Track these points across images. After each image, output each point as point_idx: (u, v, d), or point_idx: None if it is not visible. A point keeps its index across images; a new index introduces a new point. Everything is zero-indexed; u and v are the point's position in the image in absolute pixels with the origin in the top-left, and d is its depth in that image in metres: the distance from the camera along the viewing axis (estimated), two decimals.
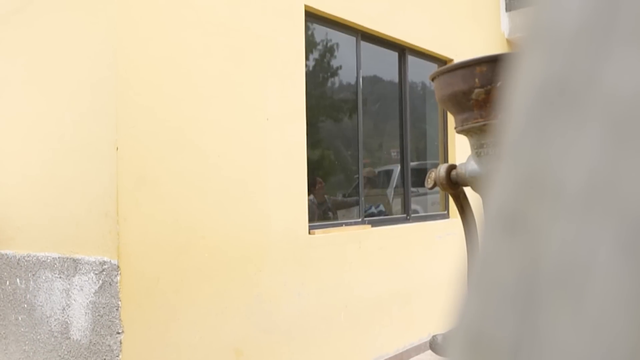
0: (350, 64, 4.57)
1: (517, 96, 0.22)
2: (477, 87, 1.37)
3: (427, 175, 1.57)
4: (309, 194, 4.08)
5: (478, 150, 1.46)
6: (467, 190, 1.56)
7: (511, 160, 0.22)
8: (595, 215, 0.18)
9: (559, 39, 0.20)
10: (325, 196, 4.45)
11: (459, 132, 1.50)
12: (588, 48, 0.19)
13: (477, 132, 1.42)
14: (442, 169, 1.52)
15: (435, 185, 1.54)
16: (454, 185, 1.52)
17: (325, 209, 4.45)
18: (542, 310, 0.19)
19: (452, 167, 1.54)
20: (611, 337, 0.17)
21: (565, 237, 0.19)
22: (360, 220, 4.50)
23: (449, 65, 1.48)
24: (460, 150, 5.57)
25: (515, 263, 0.21)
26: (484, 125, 1.39)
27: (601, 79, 0.19)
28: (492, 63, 1.35)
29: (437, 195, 5.72)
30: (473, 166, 1.47)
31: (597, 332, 0.18)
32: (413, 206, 5.25)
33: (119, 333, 2.74)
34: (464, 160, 1.58)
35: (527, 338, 0.20)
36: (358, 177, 4.57)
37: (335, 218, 4.47)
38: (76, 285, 2.92)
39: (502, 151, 0.22)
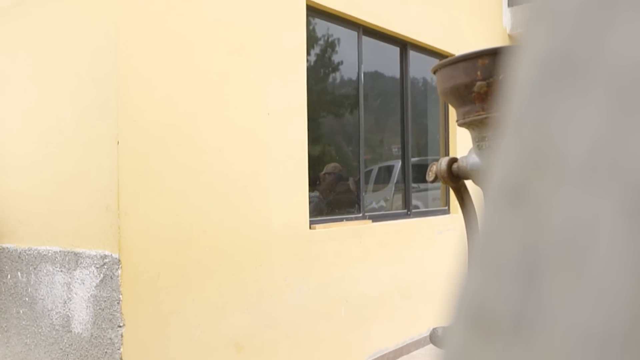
0: (352, 59, 4.56)
1: (521, 69, 0.22)
2: (479, 79, 1.37)
3: (429, 168, 1.57)
4: (314, 190, 4.08)
5: (479, 144, 1.45)
6: (469, 183, 1.56)
7: (514, 133, 0.22)
8: (598, 182, 0.18)
9: (562, 10, 0.20)
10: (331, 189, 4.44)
11: (460, 125, 1.50)
12: (592, 17, 0.19)
13: (478, 125, 1.42)
14: (444, 162, 1.52)
15: (436, 178, 1.54)
16: (455, 178, 1.52)
17: (329, 202, 4.45)
18: (545, 281, 0.19)
19: (454, 160, 1.54)
20: (613, 304, 0.17)
21: (568, 206, 0.19)
22: (361, 215, 4.50)
23: (451, 57, 1.48)
24: (461, 145, 5.57)
25: (518, 235, 0.21)
26: (486, 118, 1.39)
27: (605, 47, 0.19)
28: (494, 55, 1.35)
29: (437, 190, 5.72)
30: (474, 159, 1.46)
31: (600, 300, 0.18)
32: (414, 202, 5.25)
33: (120, 326, 2.74)
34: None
35: (529, 309, 0.20)
36: (359, 173, 4.57)
37: (336, 213, 4.47)
38: (77, 279, 2.92)
39: (505, 125, 0.22)
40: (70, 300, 2.95)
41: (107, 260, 2.78)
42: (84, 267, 2.89)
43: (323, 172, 4.47)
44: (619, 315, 0.18)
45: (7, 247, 3.38)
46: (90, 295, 2.85)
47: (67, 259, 2.99)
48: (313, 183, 4.19)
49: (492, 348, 0.22)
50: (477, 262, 0.23)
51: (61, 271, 3.01)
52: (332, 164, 4.52)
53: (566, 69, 0.20)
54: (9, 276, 3.32)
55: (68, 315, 2.96)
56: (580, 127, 0.19)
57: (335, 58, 4.54)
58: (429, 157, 5.70)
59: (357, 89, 4.58)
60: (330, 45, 4.50)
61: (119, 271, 2.74)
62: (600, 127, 0.18)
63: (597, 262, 0.18)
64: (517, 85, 0.22)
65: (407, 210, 5.10)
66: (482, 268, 0.23)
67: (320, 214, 4.28)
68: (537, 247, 0.20)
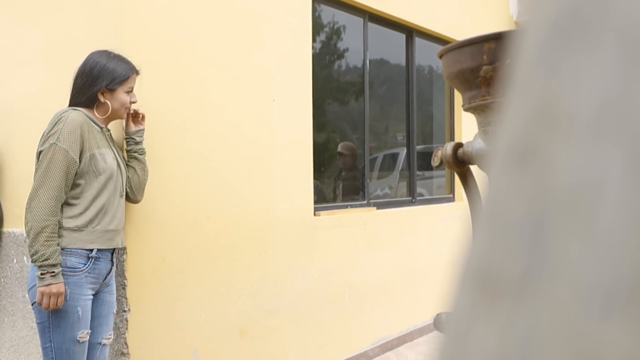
0: (357, 46, 4.54)
1: (529, 31, 0.22)
2: (485, 64, 1.36)
3: (434, 153, 1.56)
4: (325, 169, 4.08)
5: (485, 128, 1.45)
6: (474, 168, 1.56)
7: (522, 94, 0.22)
8: (607, 138, 0.18)
9: None
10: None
11: (466, 109, 1.50)
12: None
13: (484, 110, 1.42)
14: (449, 147, 1.52)
15: (441, 163, 1.54)
16: (461, 163, 1.52)
17: (337, 187, 4.48)
18: (552, 239, 0.20)
19: (459, 145, 1.53)
20: (620, 259, 0.18)
21: (576, 163, 0.19)
22: (365, 202, 4.50)
23: (457, 42, 1.47)
24: (466, 133, 5.55)
25: (525, 195, 0.21)
26: (492, 102, 1.38)
27: (613, 5, 0.19)
28: (500, 40, 1.34)
29: (442, 178, 5.71)
30: (480, 144, 1.46)
31: (607, 255, 0.18)
32: (418, 189, 5.25)
33: (125, 311, 2.76)
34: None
35: (536, 268, 0.20)
36: (364, 160, 4.56)
37: (341, 200, 4.47)
38: None
39: (513, 86, 0.22)
40: None
41: None
42: None
43: (338, 151, 4.48)
44: (625, 270, 0.18)
45: (14, 232, 3.39)
46: None
47: None
48: (327, 162, 4.20)
49: (499, 308, 0.22)
50: (483, 224, 0.23)
51: None
52: (348, 144, 4.52)
53: (575, 27, 0.20)
54: (15, 260, 3.34)
55: None
56: (589, 83, 0.19)
57: (341, 45, 4.52)
58: (434, 145, 5.68)
59: (363, 76, 4.56)
60: (336, 32, 4.48)
61: (124, 256, 2.76)
62: (610, 83, 0.18)
63: (604, 218, 0.18)
64: (526, 46, 0.22)
65: (412, 197, 5.09)
66: (488, 230, 0.23)
67: (330, 196, 4.29)
68: (544, 205, 0.20)
